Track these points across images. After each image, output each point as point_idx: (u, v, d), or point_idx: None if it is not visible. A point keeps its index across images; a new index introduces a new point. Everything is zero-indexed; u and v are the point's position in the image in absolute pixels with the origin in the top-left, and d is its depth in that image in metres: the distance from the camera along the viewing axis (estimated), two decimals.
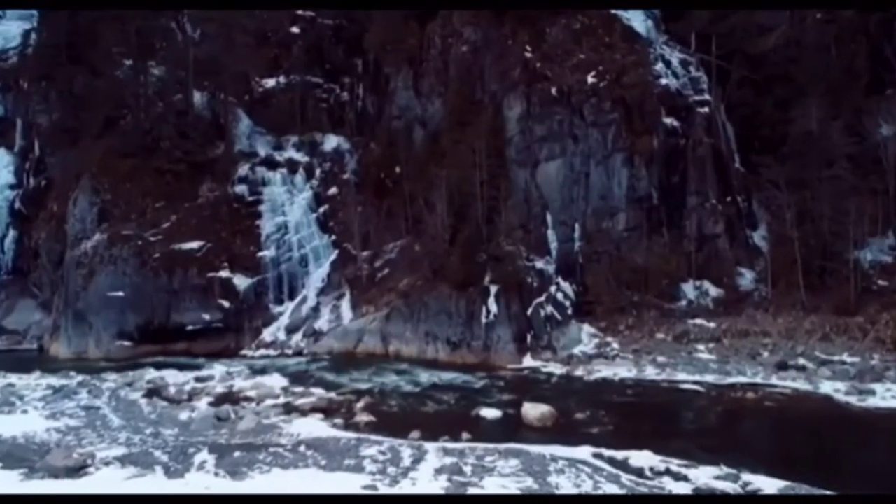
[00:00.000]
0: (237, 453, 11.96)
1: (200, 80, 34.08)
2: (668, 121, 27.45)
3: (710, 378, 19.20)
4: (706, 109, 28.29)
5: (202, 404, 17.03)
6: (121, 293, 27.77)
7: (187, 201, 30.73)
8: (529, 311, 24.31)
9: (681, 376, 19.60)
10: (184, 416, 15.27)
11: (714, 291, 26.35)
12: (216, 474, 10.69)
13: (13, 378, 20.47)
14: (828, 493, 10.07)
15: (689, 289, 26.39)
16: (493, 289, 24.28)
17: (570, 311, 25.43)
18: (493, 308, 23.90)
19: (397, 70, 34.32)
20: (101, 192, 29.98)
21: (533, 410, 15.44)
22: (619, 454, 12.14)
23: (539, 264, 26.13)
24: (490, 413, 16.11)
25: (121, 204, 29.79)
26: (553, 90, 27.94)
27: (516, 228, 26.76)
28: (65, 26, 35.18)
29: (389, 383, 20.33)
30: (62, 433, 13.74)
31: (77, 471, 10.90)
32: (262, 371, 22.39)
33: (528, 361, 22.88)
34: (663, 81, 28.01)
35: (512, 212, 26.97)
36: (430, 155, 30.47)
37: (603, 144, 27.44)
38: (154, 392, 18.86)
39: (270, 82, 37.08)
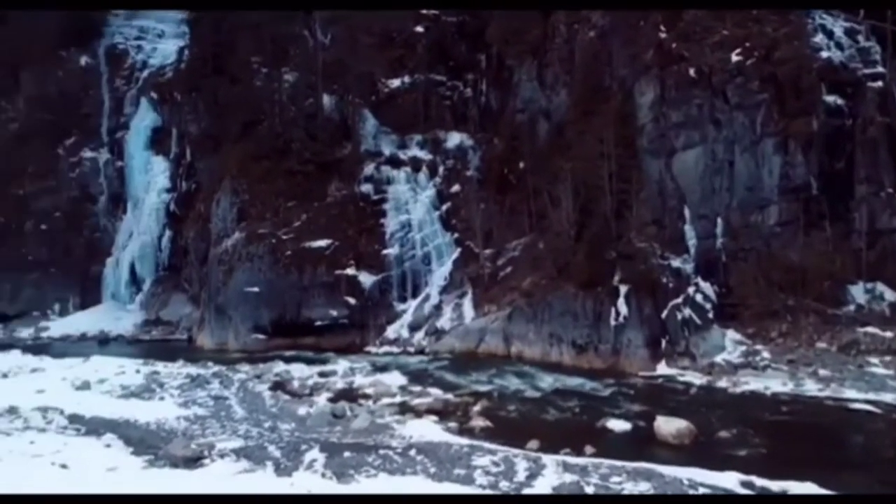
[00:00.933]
0: (347, 453, 11.59)
1: (329, 83, 35.15)
2: (831, 99, 23.94)
3: (888, 398, 16.23)
4: (879, 84, 24.36)
5: (321, 399, 17.09)
6: (256, 289, 29.20)
7: (316, 201, 31.76)
8: (664, 314, 22.19)
9: (849, 394, 16.78)
10: (302, 410, 15.32)
11: (890, 295, 22.60)
12: (323, 475, 10.34)
13: (159, 366, 21.95)
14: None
15: (858, 292, 22.84)
16: (623, 289, 22.45)
17: (711, 315, 22.94)
18: (623, 309, 22.08)
19: (520, 62, 33.29)
20: (240, 193, 31.77)
21: (667, 425, 13.75)
22: (775, 484, 10.28)
23: (675, 263, 23.88)
24: (618, 425, 14.63)
25: (257, 204, 31.39)
26: (691, 72, 25.43)
27: (649, 224, 24.70)
28: (210, 40, 37.90)
29: (509, 386, 19.37)
30: (190, 421, 14.23)
31: (194, 461, 11.04)
32: (384, 368, 22.34)
33: (663, 369, 20.84)
34: (824, 54, 24.47)
35: (644, 206, 24.91)
36: (554, 148, 29.12)
37: (750, 129, 24.50)
38: (279, 385, 19.33)
39: (395, 82, 37.44)
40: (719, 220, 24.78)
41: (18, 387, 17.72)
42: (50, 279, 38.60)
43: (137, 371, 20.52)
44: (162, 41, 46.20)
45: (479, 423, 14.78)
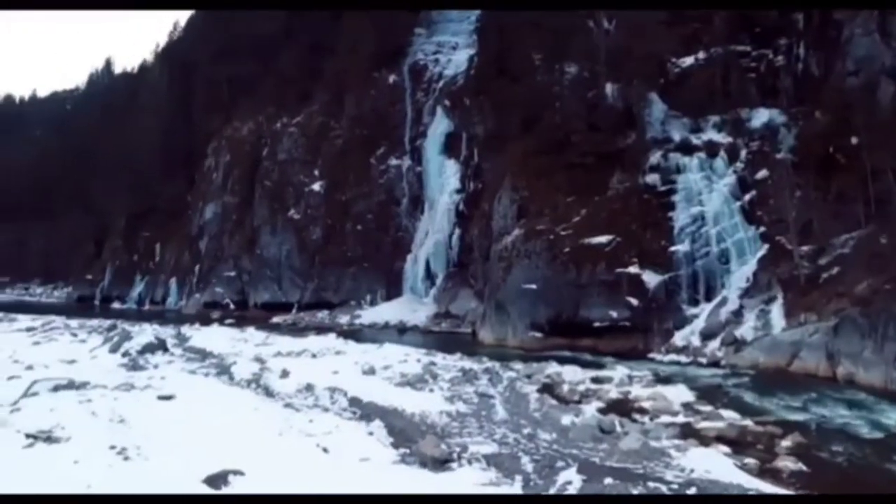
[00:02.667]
0: (608, 480, 9.73)
1: (612, 70, 33.09)
2: None
3: None
4: None
5: (590, 409, 15.35)
6: (534, 286, 28.68)
7: (597, 194, 30.02)
8: None
9: None
10: (566, 419, 13.82)
11: None
12: None
13: (438, 357, 22.67)
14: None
15: None
16: None
17: None
18: None
19: (854, 13, 26.71)
20: (520, 190, 31.73)
21: None
22: None
23: None
24: None
25: (536, 200, 30.97)
26: None
27: None
28: (495, 44, 38.98)
29: (834, 419, 15.07)
30: (451, 417, 13.87)
31: (442, 463, 10.40)
32: (667, 380, 19.60)
33: None
34: None
35: None
36: None
37: None
38: (547, 388, 18.15)
39: (687, 60, 33.59)
40: None
41: (320, 367, 19.74)
42: (364, 273, 43.99)
43: (418, 360, 21.39)
44: (456, 52, 49.41)
45: (787, 463, 11.45)
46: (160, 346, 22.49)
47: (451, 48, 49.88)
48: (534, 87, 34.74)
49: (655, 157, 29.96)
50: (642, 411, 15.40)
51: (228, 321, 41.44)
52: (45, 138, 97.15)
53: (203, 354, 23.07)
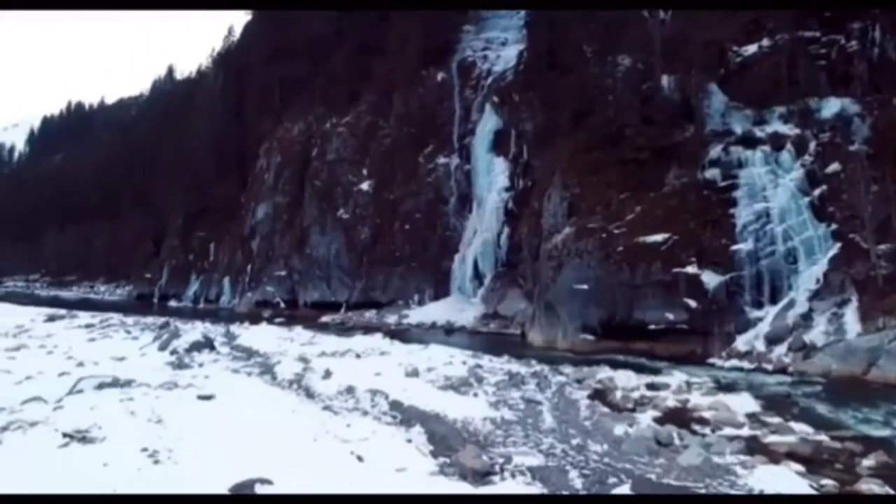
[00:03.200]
0: None
1: (668, 61, 31.58)
2: None
3: None
4: None
5: (645, 418, 14.34)
6: (585, 286, 27.60)
7: (652, 191, 28.64)
8: None
9: None
10: (619, 429, 12.88)
11: None
12: None
13: (485, 360, 21.95)
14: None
15: None
16: None
17: None
18: None
19: None
20: (570, 187, 30.64)
21: None
22: None
23: None
24: None
25: (587, 197, 29.83)
26: None
27: None
28: (545, 37, 37.92)
29: None
30: (495, 425, 13.13)
31: (483, 476, 9.70)
32: (729, 388, 18.32)
33: None
34: None
35: None
36: None
37: None
38: (599, 394, 17.17)
39: (750, 48, 31.68)
40: None
41: (364, 368, 19.34)
42: (412, 272, 43.63)
43: (463, 363, 20.73)
44: (505, 48, 48.53)
45: (872, 486, 10.21)
46: (207, 344, 22.59)
47: (501, 44, 48.99)
48: (585, 81, 33.51)
49: (715, 151, 28.34)
50: (703, 422, 14.28)
51: (278, 320, 41.86)
52: (110, 142, 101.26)
53: (249, 353, 23.06)
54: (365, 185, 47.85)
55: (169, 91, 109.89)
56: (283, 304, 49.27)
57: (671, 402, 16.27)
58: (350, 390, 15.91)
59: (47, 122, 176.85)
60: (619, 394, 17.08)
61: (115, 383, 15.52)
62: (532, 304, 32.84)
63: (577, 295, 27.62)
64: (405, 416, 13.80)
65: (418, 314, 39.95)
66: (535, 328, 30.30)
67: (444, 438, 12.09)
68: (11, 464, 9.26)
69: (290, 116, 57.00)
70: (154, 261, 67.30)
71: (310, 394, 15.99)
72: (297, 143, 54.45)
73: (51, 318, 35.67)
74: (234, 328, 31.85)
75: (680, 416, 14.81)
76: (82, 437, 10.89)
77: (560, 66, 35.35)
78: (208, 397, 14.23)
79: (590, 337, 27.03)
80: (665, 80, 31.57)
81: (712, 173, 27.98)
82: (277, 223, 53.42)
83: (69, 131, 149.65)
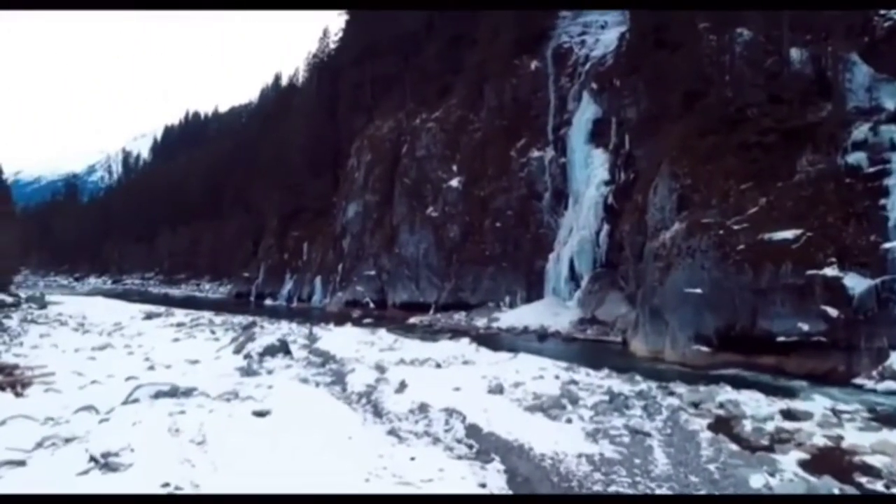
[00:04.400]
0: None
1: (798, 31, 27.30)
2: None
3: None
4: None
5: (788, 462, 11.25)
6: (698, 290, 24.11)
7: (780, 180, 24.56)
8: None
9: None
10: (757, 480, 9.96)
11: None
12: None
13: (581, 373, 19.32)
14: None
15: None
16: None
17: None
18: None
19: None
20: (680, 178, 27.10)
21: None
22: None
23: None
24: None
25: (700, 188, 26.19)
26: None
27: None
28: (650, 15, 34.27)
29: None
30: (592, 465, 10.61)
31: None
32: (891, 420, 14.63)
33: None
34: None
35: None
36: None
37: None
38: (722, 424, 14.09)
39: None
40: None
41: (443, 380, 17.31)
42: (502, 273, 41.25)
43: (556, 377, 18.21)
44: (604, 32, 45.05)
45: None
46: (282, 348, 21.41)
47: (600, 27, 45.47)
48: (698, 59, 29.68)
49: (860, 132, 23.86)
50: (869, 471, 10.98)
51: (366, 321, 40.90)
52: (217, 148, 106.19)
53: (325, 358, 21.68)
54: (455, 182, 45.98)
55: (273, 97, 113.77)
56: (372, 305, 48.42)
57: (819, 438, 12.93)
58: (423, 409, 13.88)
59: (168, 132, 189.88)
60: (748, 425, 13.92)
61: (172, 392, 14.42)
62: (635, 308, 29.60)
63: (689, 300, 24.19)
64: (483, 445, 11.59)
65: (509, 317, 37.50)
66: (638, 336, 27.10)
67: (527, 482, 9.78)
68: (22, 490, 8.13)
69: (381, 114, 56.26)
70: (252, 260, 69.05)
71: (378, 411, 14.13)
72: (387, 140, 53.54)
73: (148, 316, 36.46)
74: (318, 329, 30.91)
75: (835, 462, 11.54)
76: (105, 464, 9.54)
77: (669, 45, 31.68)
78: (263, 414, 12.68)
79: (704, 348, 23.55)
80: (794, 52, 27.29)
81: (856, 157, 23.55)
82: (368, 222, 52.75)
83: (186, 139, 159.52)
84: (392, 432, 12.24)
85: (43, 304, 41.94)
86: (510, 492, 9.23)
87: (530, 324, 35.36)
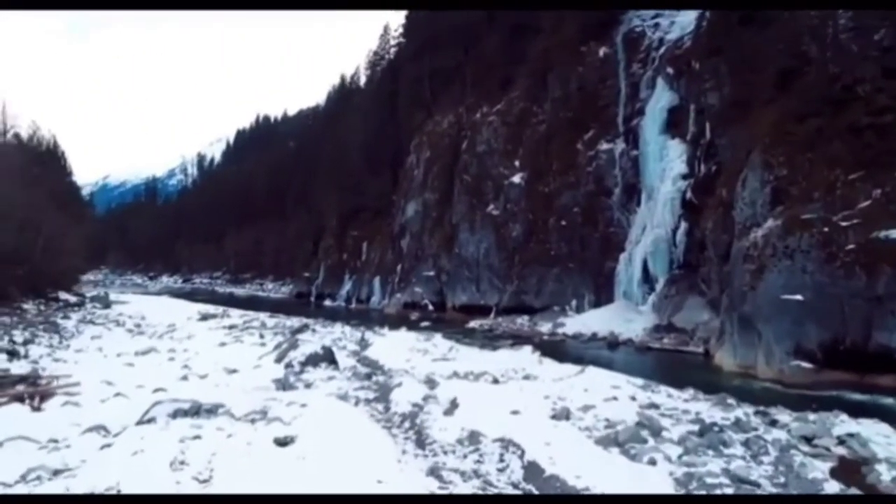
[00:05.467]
0: None
1: None
2: None
3: None
4: None
5: None
6: (799, 296, 20.86)
7: None
8: None
9: None
10: None
11: None
12: None
13: (661, 394, 16.62)
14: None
15: None
16: None
17: None
18: None
19: None
20: (775, 168, 23.79)
21: None
22: None
23: None
24: None
25: (799, 180, 22.84)
26: None
27: None
28: None
29: None
30: None
31: None
32: None
33: None
34: None
35: None
36: None
37: None
38: (850, 469, 11.20)
39: None
40: None
41: (500, 400, 15.01)
42: (568, 274, 38.60)
43: (632, 398, 15.62)
44: (680, 14, 41.45)
45: None
46: (326, 357, 19.71)
47: (675, 9, 41.97)
48: (793, 33, 26.17)
49: None
50: None
51: (423, 324, 39.14)
52: (282, 149, 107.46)
53: (372, 368, 19.86)
54: (517, 178, 43.54)
55: (337, 98, 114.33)
56: (431, 307, 46.63)
57: None
58: (474, 438, 11.68)
59: (239, 135, 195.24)
60: (884, 472, 11.00)
61: (193, 410, 12.88)
62: (719, 315, 26.47)
63: (787, 308, 20.98)
64: (543, 491, 9.28)
65: (576, 323, 34.80)
66: (725, 348, 24.01)
67: None
68: None
69: (440, 109, 54.43)
70: (313, 260, 68.74)
71: (420, 440, 12.04)
72: (446, 136, 51.62)
73: (203, 318, 35.90)
74: (371, 334, 29.25)
75: None
76: None
77: (757, 20, 28.23)
78: (285, 443, 10.91)
79: (806, 365, 20.32)
80: None
81: None
82: (427, 221, 51.02)
83: (256, 142, 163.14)
84: (434, 471, 10.12)
85: (107, 304, 42.28)
86: None
87: (599, 330, 32.58)
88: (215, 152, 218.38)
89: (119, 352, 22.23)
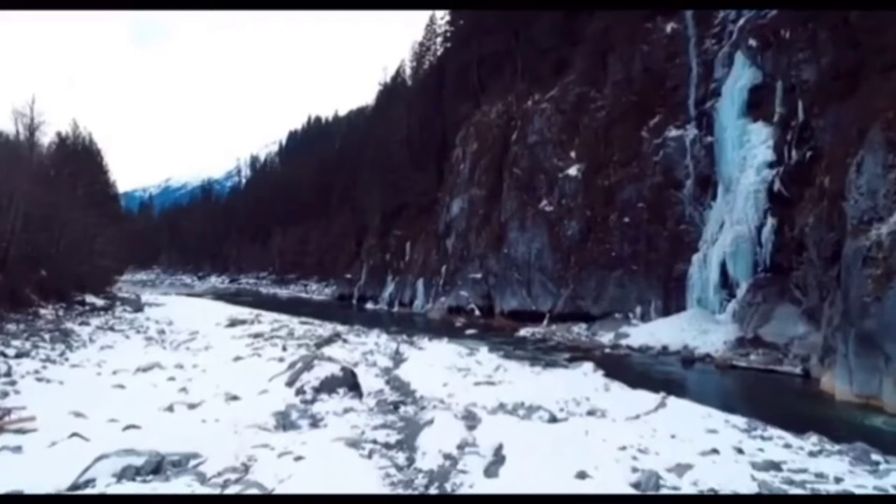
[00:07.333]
0: None
1: None
2: None
3: None
4: None
5: None
6: None
7: None
8: None
9: None
10: None
11: None
12: None
13: (774, 439, 12.54)
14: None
15: None
16: None
17: None
18: None
19: None
20: None
21: None
22: None
23: None
24: None
25: None
26: None
27: None
28: None
29: None
30: None
31: None
32: None
33: None
34: None
35: None
36: None
37: None
38: None
39: None
40: None
41: (560, 450, 11.25)
42: (633, 278, 34.38)
43: (739, 450, 11.65)
44: None
45: None
46: (345, 380, 16.33)
47: None
48: None
49: None
50: None
51: (469, 331, 35.65)
52: (328, 148, 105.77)
53: (401, 395, 16.46)
54: (573, 170, 39.41)
55: (386, 95, 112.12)
56: (477, 312, 43.02)
57: None
58: None
59: (291, 136, 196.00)
60: None
61: (149, 468, 9.77)
62: (820, 329, 21.98)
63: None
64: None
65: (642, 333, 30.56)
66: (835, 371, 19.51)
67: None
68: None
69: (489, 98, 50.70)
70: (355, 261, 66.14)
71: None
72: (495, 126, 47.87)
73: (232, 324, 33.35)
74: (407, 346, 25.90)
75: None
76: None
77: None
78: None
79: None
80: None
81: None
82: (473, 219, 47.41)
83: (307, 143, 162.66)
84: None
85: (138, 307, 40.39)
86: None
87: (669, 343, 28.30)
88: (270, 154, 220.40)
89: (117, 368, 19.48)
